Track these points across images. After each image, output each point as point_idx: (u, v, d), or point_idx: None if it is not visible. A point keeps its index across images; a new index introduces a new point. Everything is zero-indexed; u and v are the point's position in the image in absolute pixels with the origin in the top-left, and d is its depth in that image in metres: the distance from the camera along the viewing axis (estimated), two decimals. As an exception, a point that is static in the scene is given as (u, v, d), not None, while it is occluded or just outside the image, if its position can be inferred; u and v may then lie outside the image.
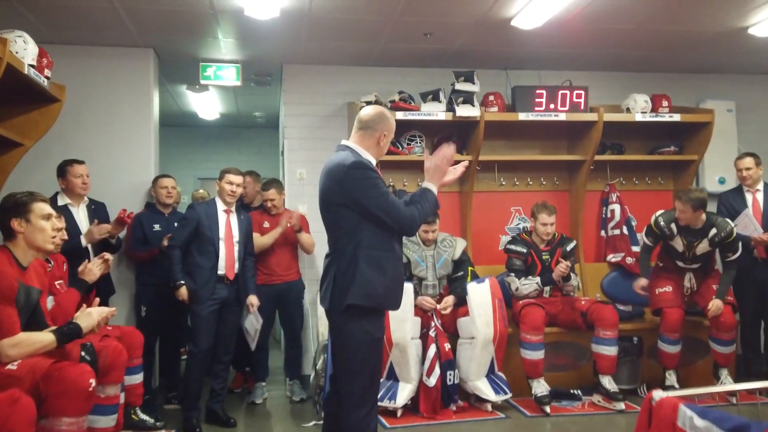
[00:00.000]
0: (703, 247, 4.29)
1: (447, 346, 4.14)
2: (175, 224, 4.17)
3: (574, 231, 5.24)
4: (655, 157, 5.26)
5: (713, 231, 4.22)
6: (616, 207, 5.30)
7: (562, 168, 5.33)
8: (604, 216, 5.36)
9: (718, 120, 5.17)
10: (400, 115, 4.71)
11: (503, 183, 5.24)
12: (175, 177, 4.65)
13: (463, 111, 4.71)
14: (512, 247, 4.55)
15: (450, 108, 4.78)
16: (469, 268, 4.48)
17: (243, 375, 4.89)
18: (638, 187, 5.45)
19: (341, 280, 2.59)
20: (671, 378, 4.36)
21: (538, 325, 4.20)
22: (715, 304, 4.22)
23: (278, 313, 4.69)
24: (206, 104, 6.70)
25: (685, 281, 4.50)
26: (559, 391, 4.39)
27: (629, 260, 5.17)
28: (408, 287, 4.15)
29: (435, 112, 4.76)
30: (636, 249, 5.21)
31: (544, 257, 4.52)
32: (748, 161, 4.63)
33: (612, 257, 5.23)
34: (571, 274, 4.43)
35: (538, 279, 4.44)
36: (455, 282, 4.42)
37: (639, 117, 5.04)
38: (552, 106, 4.94)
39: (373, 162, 2.68)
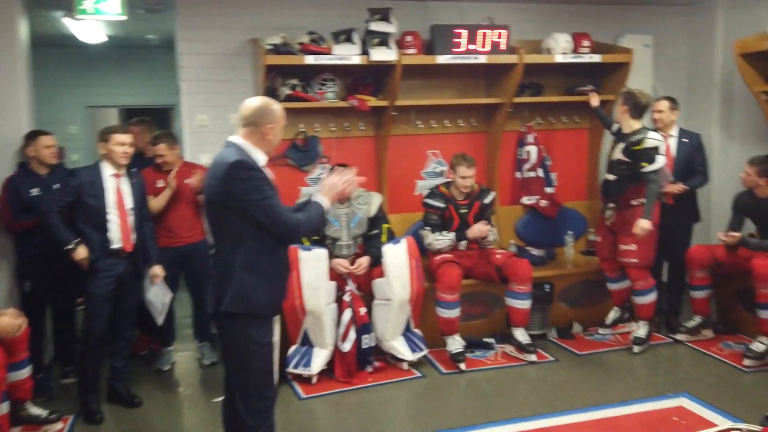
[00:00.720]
0: (618, 151, 4.17)
1: (362, 310, 4.05)
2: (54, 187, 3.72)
3: (490, 173, 5.15)
4: (574, 98, 5.15)
5: (630, 137, 4.09)
6: (532, 148, 5.21)
7: (479, 110, 5.14)
8: (519, 157, 5.27)
9: (635, 56, 5.07)
10: (311, 59, 4.31)
11: (420, 126, 5.01)
12: (60, 107, 4.00)
13: (379, 55, 4.36)
14: (429, 201, 4.41)
15: (364, 51, 4.41)
16: (385, 226, 4.32)
17: (148, 336, 4.63)
18: (555, 127, 5.37)
19: (218, 285, 2.47)
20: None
21: (454, 285, 4.16)
22: (639, 225, 4.02)
23: (183, 275, 4.40)
24: (89, 30, 5.92)
25: (606, 213, 4.41)
26: (473, 341, 4.46)
27: (543, 203, 5.17)
28: (321, 254, 3.96)
29: (348, 55, 4.37)
30: (550, 191, 5.21)
31: (462, 211, 4.41)
32: (663, 104, 4.58)
33: (526, 199, 5.21)
34: (489, 232, 4.36)
35: (452, 235, 4.35)
36: (370, 241, 4.27)
37: (560, 58, 4.86)
38: (472, 47, 4.66)
39: (262, 159, 2.51)
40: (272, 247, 2.49)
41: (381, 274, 4.11)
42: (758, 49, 4.59)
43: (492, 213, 4.53)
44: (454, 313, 4.20)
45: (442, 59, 4.60)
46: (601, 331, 4.71)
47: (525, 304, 4.29)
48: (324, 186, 2.62)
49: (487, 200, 4.46)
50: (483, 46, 4.69)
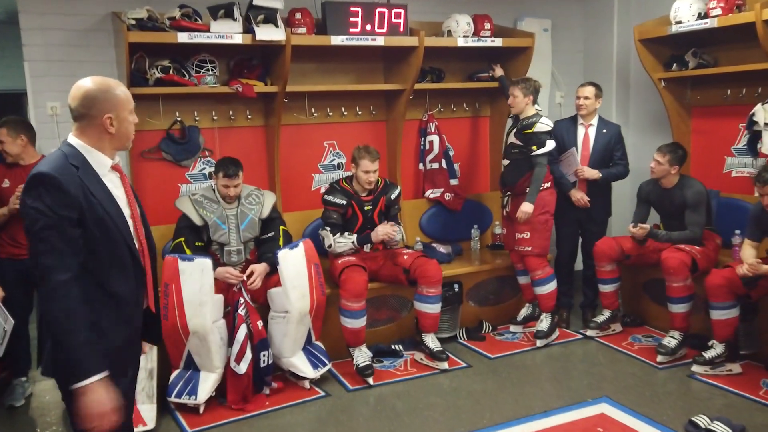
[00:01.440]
0: (512, 135, 4.18)
1: (260, 323, 3.55)
2: None
3: (392, 165, 4.79)
4: (476, 84, 4.87)
5: (524, 121, 4.10)
6: (435, 138, 4.89)
7: (379, 96, 4.74)
8: (422, 148, 4.94)
9: (536, 41, 4.87)
10: (185, 37, 3.71)
11: (315, 114, 4.53)
12: None
13: (265, 33, 3.83)
14: (329, 198, 3.95)
15: (248, 28, 3.87)
16: (282, 228, 3.82)
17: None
18: (456, 115, 5.09)
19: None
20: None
21: (359, 292, 3.74)
22: (521, 208, 4.05)
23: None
24: None
25: (503, 201, 4.39)
26: (380, 348, 4.09)
27: (448, 196, 4.88)
28: (205, 264, 3.41)
29: (229, 33, 3.80)
30: (454, 182, 4.93)
31: (366, 208, 4.00)
32: (588, 90, 4.37)
33: (431, 193, 4.90)
34: (396, 231, 3.99)
35: (354, 238, 3.93)
36: (264, 245, 3.76)
37: (461, 42, 4.55)
38: (369, 27, 4.24)
39: (105, 162, 1.94)
40: (101, 282, 1.89)
41: (277, 283, 3.62)
42: (658, 35, 4.51)
43: (398, 210, 4.16)
44: (360, 322, 3.79)
45: (337, 40, 4.15)
46: (512, 328, 4.49)
47: (435, 308, 3.96)
48: None
49: (392, 196, 4.08)
50: (381, 27, 4.28)
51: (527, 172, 4.10)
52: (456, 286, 4.33)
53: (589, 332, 4.38)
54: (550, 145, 4.06)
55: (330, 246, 3.92)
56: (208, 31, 3.77)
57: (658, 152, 4.02)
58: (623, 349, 4.14)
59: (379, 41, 4.25)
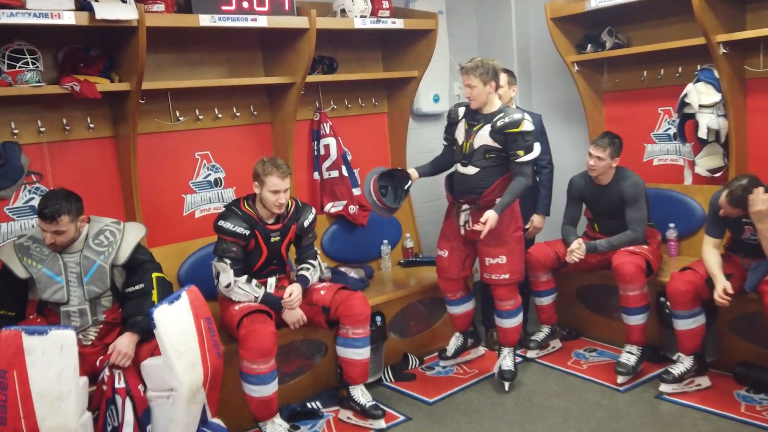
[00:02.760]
0: (483, 135, 3.20)
1: (141, 388, 2.59)
2: None
3: (282, 177, 3.90)
4: (378, 74, 4.14)
5: (499, 116, 3.19)
6: (331, 141, 4.09)
7: (260, 93, 3.85)
8: (316, 154, 4.11)
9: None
10: (-13, 16, 2.59)
11: (181, 118, 3.54)
12: None
13: (108, 11, 2.80)
14: (227, 225, 3.00)
15: (84, 4, 2.81)
16: (155, 275, 2.82)
17: None
18: (351, 112, 4.32)
19: None
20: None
21: (267, 349, 2.85)
22: (487, 216, 3.12)
23: None
24: None
25: (460, 218, 3.38)
26: (294, 411, 3.24)
27: (352, 209, 4.10)
28: (65, 338, 2.34)
29: (54, 10, 2.72)
30: (357, 192, 4.15)
31: (272, 240, 3.11)
32: (500, 78, 3.76)
33: (331, 206, 4.10)
34: (313, 267, 3.15)
35: (261, 294, 3.05)
36: (130, 304, 2.75)
37: (359, 23, 3.79)
38: (246, 5, 3.34)
39: None
40: None
41: (154, 351, 2.63)
42: (574, 12, 4.05)
43: (313, 239, 3.31)
44: (270, 388, 2.89)
45: (206, 20, 3.20)
46: (442, 363, 3.80)
47: (364, 353, 3.17)
48: None
49: (306, 222, 3.22)
50: (261, 5, 3.40)
51: (498, 179, 3.24)
52: (378, 319, 3.56)
53: (530, 353, 3.82)
54: (537, 149, 3.22)
55: (229, 286, 2.99)
56: (23, 7, 2.66)
57: (596, 147, 3.53)
58: (573, 370, 3.62)
59: (261, 22, 3.37)
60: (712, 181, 3.82)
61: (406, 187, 3.50)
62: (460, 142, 3.32)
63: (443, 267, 3.52)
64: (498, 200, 3.18)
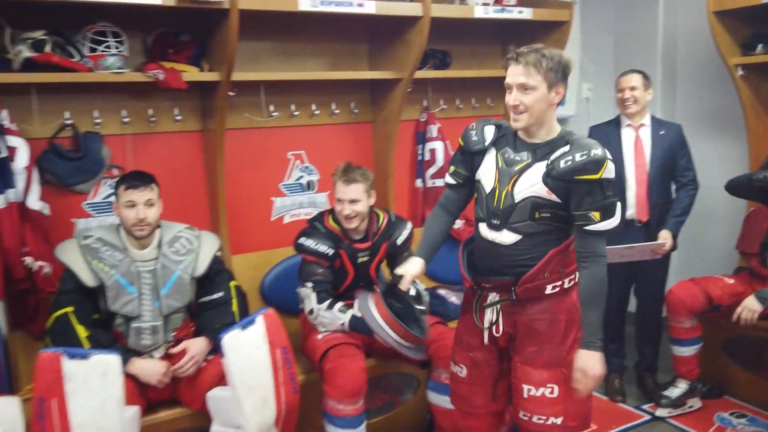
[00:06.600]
0: (531, 179, 1.99)
1: None
2: None
3: (382, 182, 3.47)
4: (498, 72, 3.60)
5: (564, 150, 1.96)
6: (438, 145, 3.63)
7: (363, 88, 3.45)
8: (420, 159, 3.67)
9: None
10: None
11: (274, 114, 3.19)
12: None
13: (197, -10, 2.48)
14: (309, 244, 2.63)
15: (171, -18, 2.51)
16: (232, 284, 2.49)
17: None
18: (462, 113, 3.83)
19: None
20: None
21: (356, 389, 2.45)
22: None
23: None
24: None
25: (484, 316, 2.16)
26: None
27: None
28: (108, 364, 2.05)
29: (140, -12, 2.45)
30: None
31: (360, 259, 2.70)
32: (634, 78, 3.22)
33: (435, 220, 3.62)
34: (416, 291, 2.70)
35: (346, 319, 2.59)
36: (210, 311, 2.44)
37: (480, 12, 3.30)
38: (352, -13, 2.94)
39: None
40: None
41: (219, 379, 2.29)
42: (744, 4, 3.34)
43: (409, 256, 2.87)
44: (357, 432, 2.48)
45: (307, 4, 2.83)
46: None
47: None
48: None
49: (399, 240, 2.79)
50: (368, -12, 3.00)
51: (550, 251, 2.02)
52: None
53: (660, 411, 3.20)
54: (619, 213, 1.98)
55: (312, 312, 2.61)
56: (106, -16, 2.40)
57: None
58: (714, 439, 2.99)
59: (369, 8, 2.96)
60: None
61: (424, 303, 2.73)
62: (488, 188, 2.08)
63: (461, 395, 2.26)
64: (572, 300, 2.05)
